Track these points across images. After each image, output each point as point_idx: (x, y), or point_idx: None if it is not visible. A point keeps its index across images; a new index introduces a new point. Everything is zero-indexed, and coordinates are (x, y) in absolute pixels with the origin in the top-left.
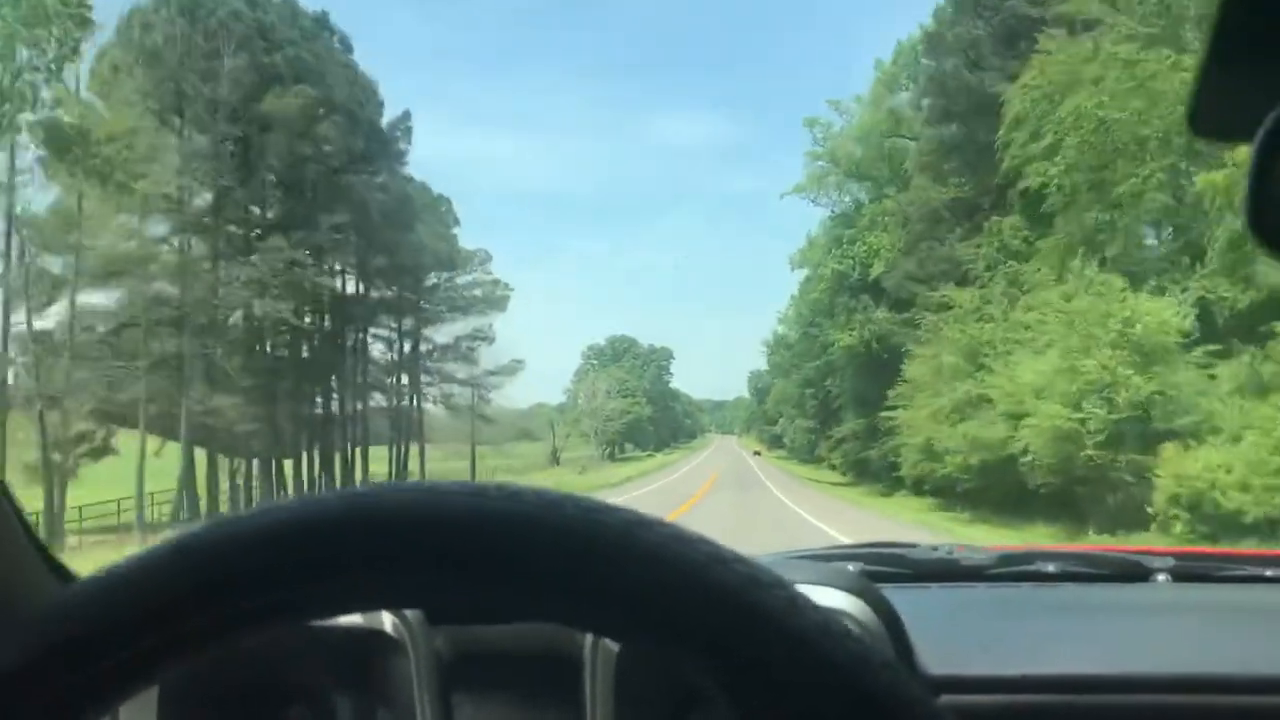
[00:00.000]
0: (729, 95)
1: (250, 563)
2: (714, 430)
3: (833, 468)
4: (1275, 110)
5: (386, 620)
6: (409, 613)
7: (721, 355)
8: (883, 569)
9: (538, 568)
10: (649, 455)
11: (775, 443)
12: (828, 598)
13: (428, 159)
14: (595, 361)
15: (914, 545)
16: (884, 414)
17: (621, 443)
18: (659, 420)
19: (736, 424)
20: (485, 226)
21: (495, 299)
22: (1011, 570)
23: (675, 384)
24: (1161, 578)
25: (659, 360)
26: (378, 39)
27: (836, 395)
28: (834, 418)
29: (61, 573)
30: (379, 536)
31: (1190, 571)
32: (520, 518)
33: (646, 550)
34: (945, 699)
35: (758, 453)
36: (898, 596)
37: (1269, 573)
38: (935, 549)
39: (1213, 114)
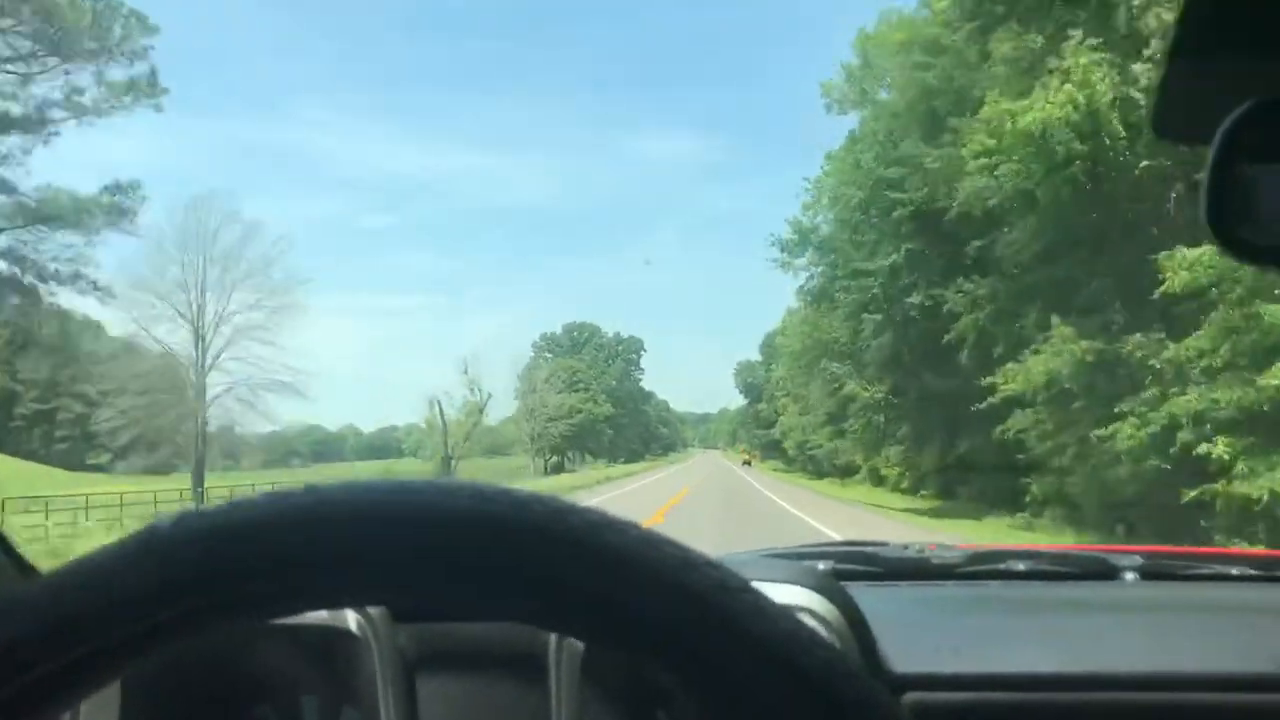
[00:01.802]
0: (712, 113)
1: (216, 558)
2: (697, 444)
3: (882, 484)
4: (1234, 112)
5: (351, 618)
6: (373, 611)
7: (706, 371)
8: (853, 568)
9: (502, 568)
10: (606, 466)
11: (773, 450)
12: (791, 595)
13: (412, 173)
14: (549, 355)
15: (885, 544)
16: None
17: (572, 450)
18: (626, 426)
19: (721, 438)
20: (466, 242)
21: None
22: (981, 569)
23: (649, 385)
24: (1129, 576)
25: (627, 352)
26: (363, 56)
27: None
28: (932, 364)
29: (26, 569)
30: (345, 533)
31: (1157, 570)
32: (486, 517)
33: (614, 553)
34: (910, 696)
35: (747, 461)
36: (867, 594)
37: (1234, 571)
38: (906, 548)
39: (1175, 117)
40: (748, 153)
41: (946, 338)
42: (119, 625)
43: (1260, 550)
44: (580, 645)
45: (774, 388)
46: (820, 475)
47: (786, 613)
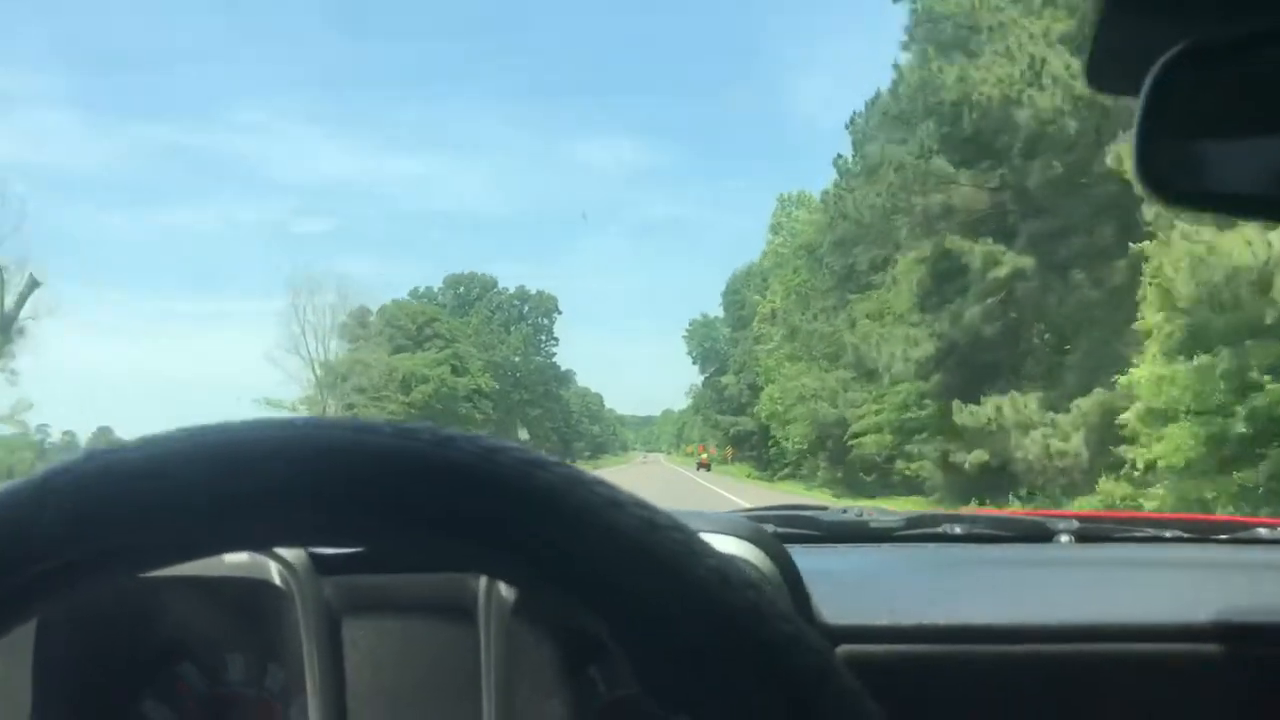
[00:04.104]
0: (652, 121)
1: (120, 499)
2: (639, 447)
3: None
4: (1162, 58)
5: (273, 571)
6: (296, 562)
7: (648, 374)
8: (793, 530)
9: (427, 507)
10: None
11: (745, 445)
12: (727, 546)
13: (350, 177)
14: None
15: (825, 508)
16: None
17: None
18: (537, 417)
19: (665, 440)
20: (407, 248)
21: None
22: (919, 532)
23: (565, 361)
24: (1064, 539)
25: (538, 314)
26: (293, 58)
27: None
28: None
29: None
30: (249, 474)
31: (1092, 532)
32: (409, 455)
33: (542, 492)
34: (843, 648)
35: (705, 464)
36: (805, 554)
37: (1168, 534)
38: (845, 511)
39: (1108, 67)
40: (687, 160)
41: None
42: (19, 567)
43: (1193, 515)
44: (509, 595)
45: (751, 343)
46: (853, 488)
47: (715, 552)
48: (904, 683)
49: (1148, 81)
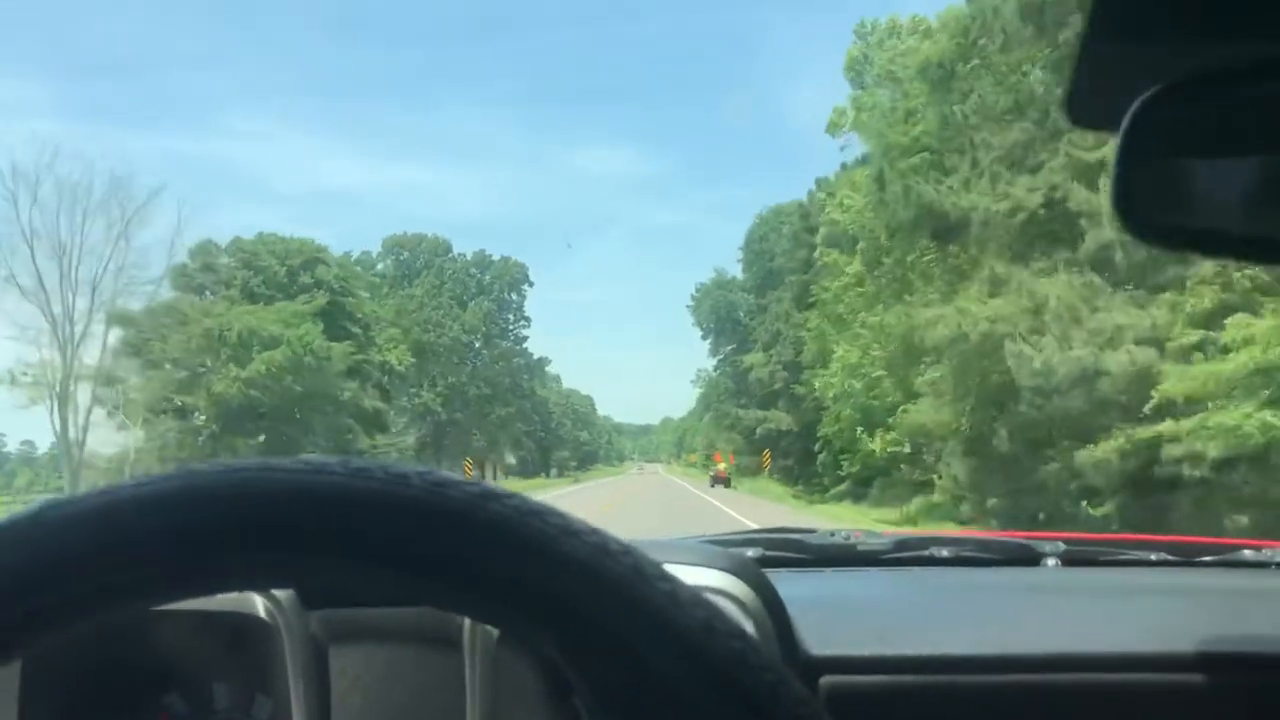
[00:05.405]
0: (650, 128)
1: (91, 542)
2: (636, 456)
3: None
4: (1141, 96)
5: (259, 604)
6: (282, 596)
7: (646, 383)
8: (779, 554)
9: (431, 556)
10: None
11: (773, 446)
12: (707, 578)
13: (346, 185)
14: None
15: (812, 530)
16: None
17: (267, 447)
18: (504, 419)
19: (665, 450)
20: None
21: None
22: (906, 555)
23: (554, 362)
24: (1051, 562)
25: (503, 286)
26: (296, 67)
27: None
28: None
29: None
30: (215, 515)
31: (1079, 556)
32: (368, 494)
33: (534, 539)
34: (826, 680)
35: (721, 478)
36: (791, 580)
37: (1154, 557)
38: (833, 534)
39: (1088, 102)
40: (686, 168)
41: None
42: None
43: (1180, 537)
44: (495, 630)
45: (788, 303)
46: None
47: (703, 600)
48: (889, 715)
49: (1127, 117)
